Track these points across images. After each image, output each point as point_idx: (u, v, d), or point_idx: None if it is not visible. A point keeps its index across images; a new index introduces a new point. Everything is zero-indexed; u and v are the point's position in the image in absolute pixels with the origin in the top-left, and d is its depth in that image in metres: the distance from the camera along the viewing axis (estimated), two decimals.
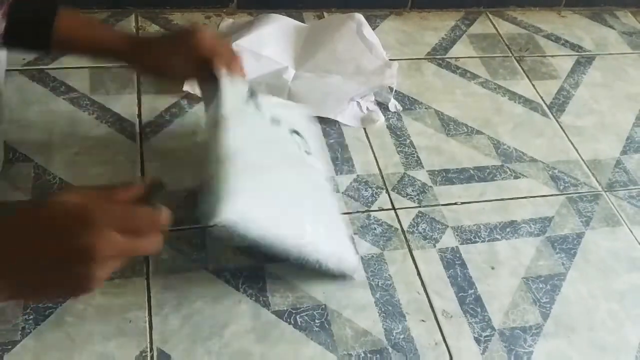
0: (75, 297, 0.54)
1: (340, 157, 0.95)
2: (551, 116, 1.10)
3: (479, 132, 1.03)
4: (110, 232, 0.49)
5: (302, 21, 1.16)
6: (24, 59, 0.99)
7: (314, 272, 0.75)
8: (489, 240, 0.88)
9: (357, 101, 1.02)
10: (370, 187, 0.92)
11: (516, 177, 0.97)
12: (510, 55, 1.21)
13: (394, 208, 0.90)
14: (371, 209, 0.89)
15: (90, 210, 0.49)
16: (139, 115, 0.95)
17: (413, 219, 0.88)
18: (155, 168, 0.87)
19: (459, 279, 0.82)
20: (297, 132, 0.82)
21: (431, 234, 0.87)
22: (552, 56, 1.22)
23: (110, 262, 0.50)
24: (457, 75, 1.14)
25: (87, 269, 0.48)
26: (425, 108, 1.06)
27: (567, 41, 1.27)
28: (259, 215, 0.66)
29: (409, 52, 1.17)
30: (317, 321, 0.75)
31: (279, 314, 0.75)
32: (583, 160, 1.03)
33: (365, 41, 1.09)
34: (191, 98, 0.98)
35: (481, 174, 0.97)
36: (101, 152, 0.89)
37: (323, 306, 0.77)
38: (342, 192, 0.90)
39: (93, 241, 0.48)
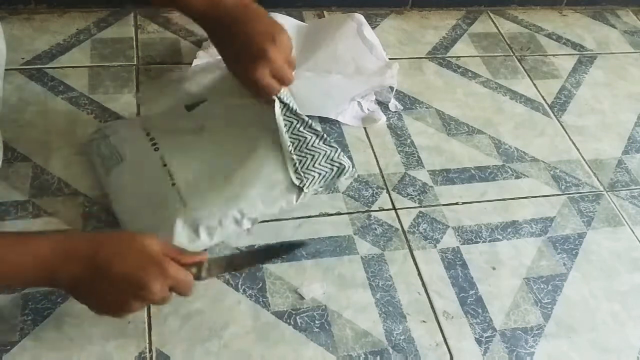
0: (111, 314, 0.64)
1: None
2: (552, 116, 1.09)
3: (480, 132, 1.03)
4: (165, 286, 0.62)
5: (302, 20, 1.16)
6: (22, 58, 0.99)
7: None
8: (490, 241, 0.87)
9: (358, 101, 1.02)
10: (371, 187, 0.91)
11: (517, 177, 0.97)
12: (512, 54, 1.20)
13: (394, 208, 0.89)
14: (371, 209, 0.88)
15: (164, 262, 0.62)
16: (138, 114, 0.94)
17: (414, 219, 0.88)
18: None
19: (460, 280, 0.82)
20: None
21: (432, 234, 0.87)
22: (553, 55, 1.22)
23: (147, 303, 0.64)
24: (458, 75, 1.13)
25: (135, 301, 0.61)
26: (426, 107, 1.05)
27: (568, 40, 1.26)
28: None
29: (410, 51, 1.16)
30: (317, 322, 0.75)
31: (279, 315, 0.75)
32: (585, 160, 1.02)
33: (365, 41, 1.08)
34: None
35: (482, 174, 0.96)
36: None
37: (323, 307, 0.76)
38: (342, 192, 0.89)
39: (155, 286, 0.61)
